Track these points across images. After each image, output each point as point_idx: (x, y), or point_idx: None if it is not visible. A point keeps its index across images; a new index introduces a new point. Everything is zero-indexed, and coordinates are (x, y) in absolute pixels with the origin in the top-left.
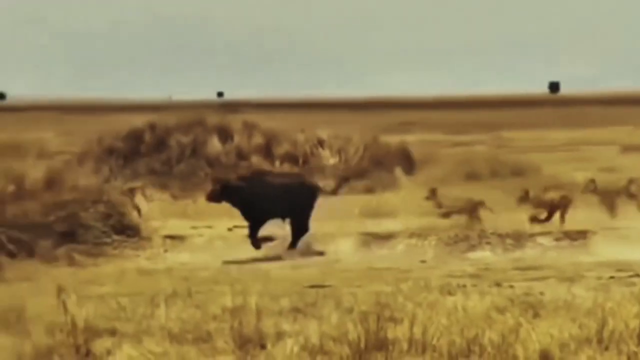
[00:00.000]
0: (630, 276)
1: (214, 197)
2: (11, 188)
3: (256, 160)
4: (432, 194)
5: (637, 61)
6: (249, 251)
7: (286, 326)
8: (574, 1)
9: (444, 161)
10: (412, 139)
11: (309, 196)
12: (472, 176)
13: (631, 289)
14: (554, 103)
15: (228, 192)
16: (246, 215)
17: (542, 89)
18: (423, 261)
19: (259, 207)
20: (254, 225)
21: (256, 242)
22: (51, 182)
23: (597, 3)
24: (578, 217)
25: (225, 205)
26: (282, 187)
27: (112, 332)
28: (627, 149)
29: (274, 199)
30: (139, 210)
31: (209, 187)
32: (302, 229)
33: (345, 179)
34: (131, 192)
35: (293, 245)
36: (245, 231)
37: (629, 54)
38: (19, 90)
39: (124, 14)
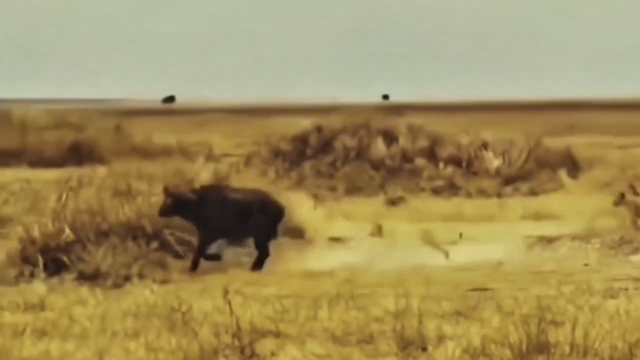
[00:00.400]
0: None
1: (165, 212)
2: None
3: (420, 163)
4: (621, 198)
5: None
6: (412, 253)
7: (448, 329)
8: None
9: (610, 164)
10: (577, 142)
11: (273, 216)
12: (638, 179)
13: None
14: None
15: (181, 206)
16: (202, 231)
17: None
18: (586, 264)
19: (213, 224)
20: (205, 243)
21: (197, 263)
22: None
23: None
24: None
25: (389, 208)
26: (241, 204)
27: (276, 334)
28: None
29: (231, 217)
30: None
31: (374, 190)
32: (264, 252)
33: (509, 181)
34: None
35: (258, 267)
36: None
37: None
38: (188, 93)
39: (290, 17)
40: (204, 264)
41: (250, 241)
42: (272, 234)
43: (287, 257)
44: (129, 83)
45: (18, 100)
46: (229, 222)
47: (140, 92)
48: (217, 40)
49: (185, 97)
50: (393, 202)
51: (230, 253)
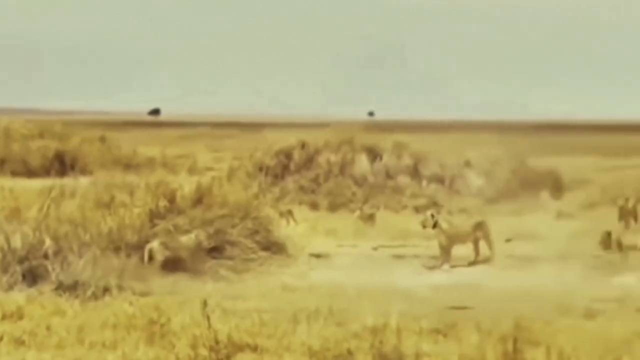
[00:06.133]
0: None
1: None
2: (163, 203)
3: (403, 181)
4: (608, 236)
5: None
6: (392, 270)
7: (426, 347)
8: None
9: (593, 185)
10: (561, 162)
11: None
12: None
13: None
14: None
15: None
16: None
17: None
18: (566, 285)
19: None
20: None
21: None
22: (201, 197)
23: None
24: None
25: (370, 224)
26: None
27: (254, 348)
28: None
29: None
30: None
31: (356, 206)
32: None
33: (491, 201)
34: (286, 211)
35: None
36: (391, 250)
37: None
38: (172, 106)
39: (277, 32)
40: (182, 276)
41: (232, 253)
42: None
43: (267, 272)
44: (115, 94)
45: (2, 110)
46: None
47: (126, 103)
48: (204, 54)
49: (170, 110)
50: (371, 219)
51: (210, 265)
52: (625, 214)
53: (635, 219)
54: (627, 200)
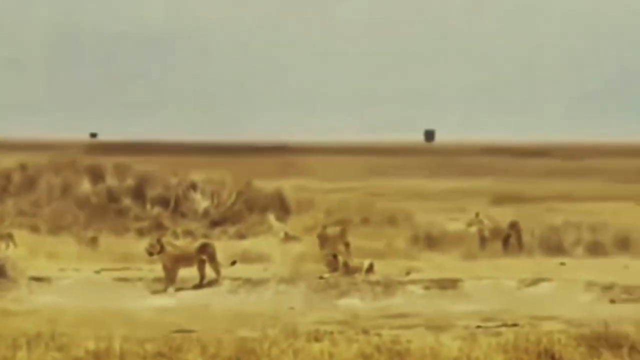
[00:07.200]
0: (497, 326)
1: None
2: None
3: (127, 203)
4: (334, 258)
5: (519, 111)
6: (116, 294)
7: None
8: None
9: (318, 207)
10: (286, 185)
11: None
12: (344, 223)
13: (497, 339)
14: (429, 152)
15: None
16: None
17: (417, 137)
18: (291, 307)
19: None
20: None
21: None
22: None
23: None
24: (448, 266)
25: (93, 248)
26: None
27: None
28: (498, 199)
29: None
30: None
31: (78, 229)
32: None
33: (217, 223)
34: (6, 234)
35: None
36: (114, 274)
37: (504, 102)
38: None
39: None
40: None
41: None
42: None
43: None
44: None
45: None
46: None
47: None
48: None
49: None
50: (94, 242)
51: None
52: (324, 242)
53: (347, 245)
54: (324, 227)
